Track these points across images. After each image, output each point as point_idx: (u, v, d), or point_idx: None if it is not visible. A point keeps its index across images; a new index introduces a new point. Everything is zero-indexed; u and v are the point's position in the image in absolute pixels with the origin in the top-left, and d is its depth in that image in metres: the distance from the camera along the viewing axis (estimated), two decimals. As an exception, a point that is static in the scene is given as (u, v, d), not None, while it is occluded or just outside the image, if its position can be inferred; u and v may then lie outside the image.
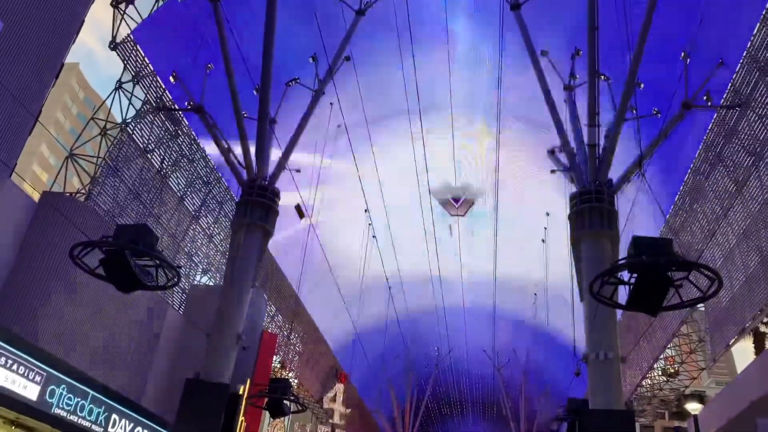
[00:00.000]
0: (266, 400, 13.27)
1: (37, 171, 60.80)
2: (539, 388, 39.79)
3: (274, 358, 25.69)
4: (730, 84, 15.45)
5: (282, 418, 23.12)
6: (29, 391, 10.23)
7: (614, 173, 13.39)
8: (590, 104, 13.23)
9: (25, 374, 10.16)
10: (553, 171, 14.97)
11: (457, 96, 24.28)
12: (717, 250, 19.06)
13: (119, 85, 16.61)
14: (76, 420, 11.42)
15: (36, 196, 14.99)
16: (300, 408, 13.80)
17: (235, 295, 13.03)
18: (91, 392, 11.92)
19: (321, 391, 33.61)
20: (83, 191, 15.86)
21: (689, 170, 19.00)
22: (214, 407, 11.45)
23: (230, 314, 12.78)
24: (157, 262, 8.24)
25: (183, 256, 20.35)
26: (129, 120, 16.68)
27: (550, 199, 26.28)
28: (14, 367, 9.94)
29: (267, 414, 20.42)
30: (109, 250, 7.95)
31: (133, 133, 16.92)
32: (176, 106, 17.46)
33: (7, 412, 10.08)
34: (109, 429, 12.26)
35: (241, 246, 13.39)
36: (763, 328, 31.82)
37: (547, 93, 14.30)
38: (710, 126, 17.05)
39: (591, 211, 12.38)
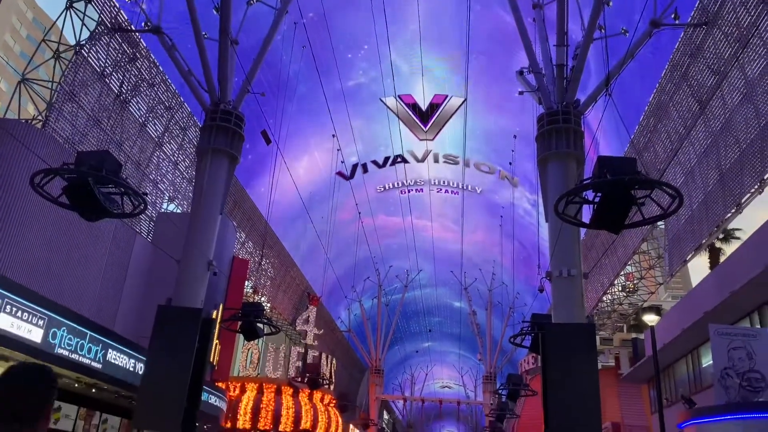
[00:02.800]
0: (239, 323, 13.48)
1: (-11, 98, 58.19)
2: (505, 305, 41.20)
3: (246, 283, 25.95)
4: (698, 2, 15.36)
5: (256, 341, 23.62)
6: (34, 334, 10.95)
7: (582, 96, 13.42)
8: (559, 23, 13.07)
9: (29, 319, 10.83)
10: (521, 92, 14.91)
11: (425, 14, 23.72)
12: (678, 169, 19.52)
13: (70, 5, 15.73)
14: (77, 358, 12.17)
15: (-10, 124, 14.42)
16: (273, 330, 14.07)
17: (203, 222, 12.97)
18: (89, 332, 12.62)
19: (294, 314, 34.29)
20: (40, 118, 15.29)
21: (654, 90, 19.13)
22: (188, 332, 11.57)
23: (199, 241, 12.76)
24: (122, 189, 8.09)
25: (148, 184, 20.03)
26: (83, 42, 15.91)
27: (518, 121, 26.36)
28: (18, 313, 10.56)
29: (241, 338, 20.83)
30: (71, 177, 7.76)
31: (89, 56, 16.19)
32: (132, 27, 16.69)
33: (16, 354, 10.72)
34: (108, 360, 13.14)
35: (207, 172, 13.21)
36: (718, 244, 33.21)
37: (515, 11, 14.05)
38: (677, 45, 17.06)
39: (557, 132, 12.47)
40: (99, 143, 16.87)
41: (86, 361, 12.49)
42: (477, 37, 23.63)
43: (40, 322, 11.12)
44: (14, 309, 10.47)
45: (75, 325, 12.14)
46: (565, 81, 12.98)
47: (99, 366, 12.93)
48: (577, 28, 14.86)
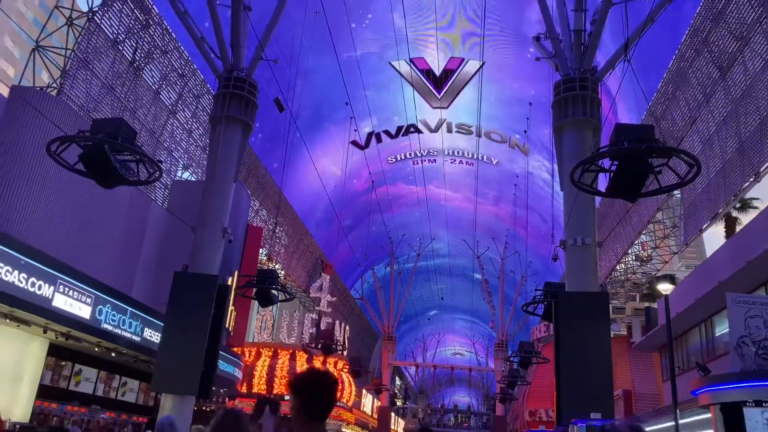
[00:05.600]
0: (254, 290, 13.61)
1: (3, 66, 58.30)
2: (518, 274, 41.24)
3: (261, 250, 26.17)
4: (721, -36, 14.95)
5: (270, 308, 23.89)
6: (83, 311, 12.02)
7: (599, 64, 13.18)
8: (577, -13, 12.78)
9: (79, 298, 11.87)
10: (538, 59, 14.67)
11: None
12: (696, 137, 19.22)
13: (82, -29, 15.63)
14: (120, 333, 13.37)
15: (5, 91, 14.46)
16: (287, 297, 14.21)
17: (218, 189, 13.03)
18: (130, 309, 13.76)
19: (307, 281, 34.58)
20: (54, 85, 15.32)
21: (674, 57, 18.74)
22: (204, 298, 11.74)
23: (214, 208, 12.84)
24: (138, 156, 8.12)
25: (163, 152, 20.10)
26: (96, 9, 15.82)
27: (535, 90, 25.97)
28: (70, 292, 11.57)
29: (255, 304, 21.09)
30: (87, 145, 7.78)
31: (101, 22, 16.11)
32: (144, -7, 16.57)
33: (66, 329, 11.88)
34: (144, 336, 14.25)
35: (221, 140, 13.22)
36: (735, 213, 32.85)
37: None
38: (698, 10, 16.64)
39: (574, 98, 12.30)
40: (113, 111, 16.90)
41: (128, 334, 13.65)
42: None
43: (88, 300, 12.14)
44: (66, 288, 11.41)
45: (118, 302, 13.29)
46: (583, 47, 12.75)
47: (138, 338, 14.03)
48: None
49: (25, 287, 10.24)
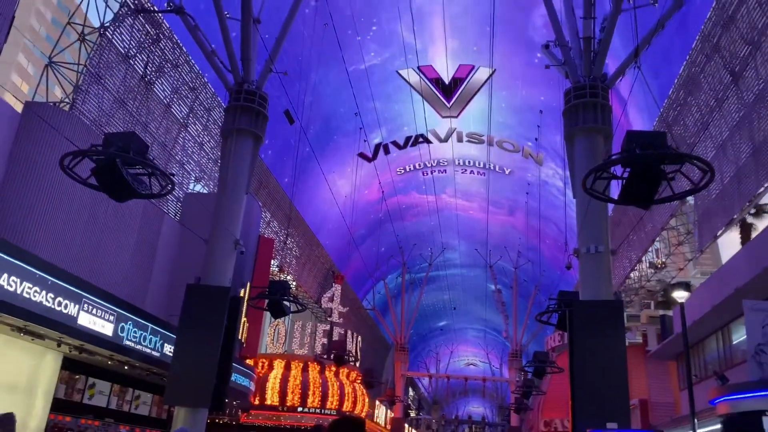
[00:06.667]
0: (266, 301, 13.62)
1: (17, 82, 59.10)
2: (531, 283, 41.01)
3: (272, 262, 26.19)
4: (731, -31, 14.88)
5: (282, 319, 23.89)
6: (106, 329, 12.32)
7: (611, 68, 13.13)
8: (586, -6, 12.76)
9: (103, 316, 12.17)
10: (547, 66, 14.64)
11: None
12: (709, 142, 19.07)
13: (93, -13, 15.80)
14: (141, 349, 13.58)
15: (19, 107, 14.62)
16: (299, 308, 14.20)
17: (229, 202, 13.08)
18: (150, 325, 13.95)
19: (319, 292, 34.56)
20: (67, 101, 15.47)
21: (685, 62, 18.64)
22: (217, 310, 11.77)
23: (226, 220, 12.89)
24: (150, 170, 8.17)
25: (175, 165, 20.22)
26: (107, 24, 16.00)
27: (545, 96, 25.92)
28: (94, 311, 11.89)
29: (267, 315, 21.08)
30: (99, 159, 7.85)
31: (113, 38, 16.29)
32: (155, 8, 16.73)
33: (96, 348, 12.26)
34: (164, 352, 14.38)
35: (232, 152, 13.29)
36: (750, 219, 32.53)
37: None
38: (708, 15, 16.56)
39: (585, 106, 12.25)
40: (125, 125, 17.03)
41: (148, 350, 13.84)
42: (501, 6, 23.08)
43: (111, 318, 12.43)
44: (91, 307, 11.76)
45: (139, 319, 13.50)
46: (592, 54, 12.71)
47: (158, 354, 14.17)
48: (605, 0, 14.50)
49: (52, 306, 10.62)
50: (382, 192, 33.86)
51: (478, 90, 28.01)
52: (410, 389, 60.12)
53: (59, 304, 10.72)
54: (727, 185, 18.50)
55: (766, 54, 15.13)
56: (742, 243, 31.17)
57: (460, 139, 31.61)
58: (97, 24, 16.01)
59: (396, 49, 25.96)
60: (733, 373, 18.75)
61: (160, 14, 16.79)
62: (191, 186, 21.94)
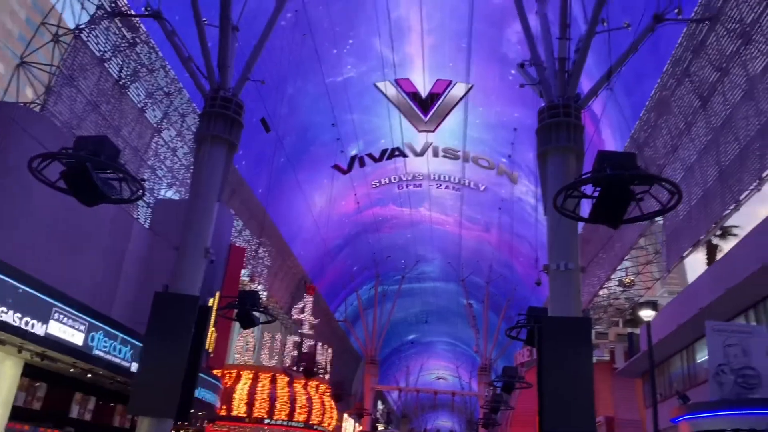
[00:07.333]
0: (236, 311, 13.47)
1: (-13, 81, 57.89)
2: (503, 298, 41.27)
3: (243, 271, 25.96)
4: (701, -4, 15.31)
5: (252, 329, 23.64)
6: (76, 338, 12.20)
7: (585, 88, 13.36)
8: (561, 16, 12.99)
9: (74, 325, 12.08)
10: (522, 85, 14.83)
11: (428, 4, 23.54)
12: (678, 164, 19.49)
13: (70, -12, 15.62)
14: (111, 359, 13.48)
15: (-13, 107, 14.31)
16: (269, 319, 14.07)
17: (201, 209, 12.94)
18: (120, 335, 13.84)
19: (290, 303, 34.31)
20: (38, 101, 15.21)
21: (656, 85, 19.07)
22: (185, 319, 11.57)
23: (197, 228, 12.74)
24: (120, 175, 8.06)
25: (146, 170, 19.98)
26: (82, 26, 15.80)
27: (519, 113, 26.23)
28: (65, 320, 11.78)
29: (237, 326, 20.84)
30: (69, 162, 7.72)
31: (88, 40, 16.09)
32: (132, 12, 16.58)
33: (66, 357, 12.09)
34: (133, 363, 14.17)
35: (206, 159, 13.16)
36: (716, 241, 33.23)
37: (519, 4, 13.96)
38: (679, 41, 16.99)
39: (558, 125, 12.42)
40: (97, 128, 16.80)
41: (118, 360, 13.72)
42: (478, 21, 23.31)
43: (82, 327, 12.32)
44: (62, 316, 11.65)
45: (109, 329, 13.39)
46: (567, 74, 12.92)
47: (128, 365, 14.00)
48: (580, 22, 14.79)
49: (21, 316, 10.52)
50: (358, 204, 33.85)
51: (455, 105, 28.23)
52: (379, 402, 59.84)
53: (28, 312, 10.65)
54: (695, 207, 18.91)
55: (734, 81, 15.57)
56: (708, 264, 31.82)
57: (436, 154, 31.80)
58: (72, 25, 15.81)
59: (374, 62, 26.06)
60: (695, 392, 19.07)
61: (137, 18, 16.64)
62: (162, 192, 21.69)
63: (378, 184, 34.17)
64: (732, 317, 18.48)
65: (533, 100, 14.75)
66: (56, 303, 11.49)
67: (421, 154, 31.81)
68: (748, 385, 13.38)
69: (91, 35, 16.10)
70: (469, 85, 26.89)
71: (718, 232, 30.57)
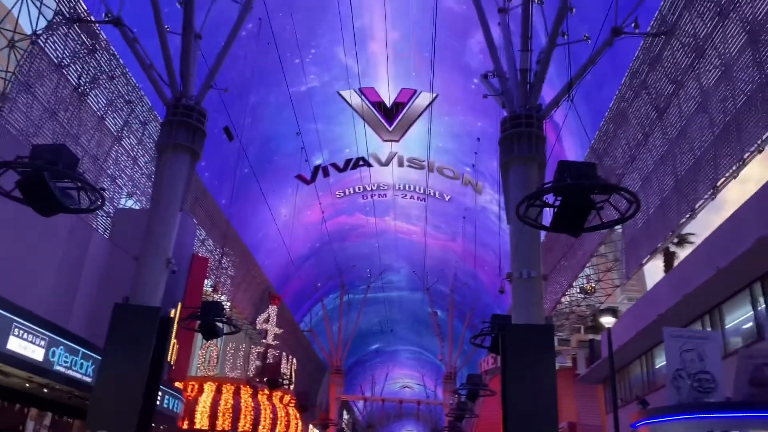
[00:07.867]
0: (198, 322, 13.27)
1: (-62, 86, 55.98)
2: (467, 306, 41.54)
3: (206, 281, 25.57)
4: (657, 11, 15.75)
5: (215, 340, 23.27)
6: (36, 354, 12.04)
7: (545, 98, 13.62)
8: (523, 28, 13.25)
9: (33, 341, 11.94)
10: (485, 96, 15.05)
11: (391, 13, 23.68)
12: (636, 174, 19.97)
13: (26, -7, 15.23)
14: (72, 374, 13.28)
15: (-61, 113, 13.87)
16: (233, 329, 13.90)
17: (162, 218, 12.74)
18: (81, 349, 13.65)
19: (254, 313, 33.91)
20: (-8, 108, 14.77)
21: (615, 97, 19.54)
22: (145, 331, 11.39)
23: (158, 238, 12.54)
24: (79, 184, 7.90)
25: (106, 179, 19.56)
26: (40, 32, 15.43)
27: (482, 122, 26.53)
28: (24, 335, 11.64)
29: (199, 337, 20.50)
30: (25, 171, 7.53)
31: (45, 46, 15.71)
32: (92, 18, 16.27)
33: (21, 372, 11.91)
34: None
35: (167, 168, 12.98)
36: (673, 248, 34.09)
37: (481, 15, 14.19)
38: (636, 53, 17.46)
39: (520, 136, 12.63)
40: (55, 136, 16.39)
41: (79, 375, 13.50)
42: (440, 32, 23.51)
43: (42, 342, 12.16)
44: (21, 331, 11.53)
45: (70, 344, 13.21)
46: (528, 85, 13.16)
47: (89, 379, 13.72)
48: (541, 34, 15.08)
49: None
50: (323, 213, 33.71)
51: (420, 115, 28.39)
52: (345, 412, 59.48)
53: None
54: (652, 216, 19.40)
55: (689, 93, 16.05)
56: (666, 271, 32.61)
57: (401, 164, 31.91)
58: (29, 31, 15.42)
59: (338, 71, 26.07)
60: (655, 396, 19.48)
61: (97, 24, 16.34)
62: (123, 201, 21.26)
63: (342, 195, 34.10)
64: (688, 323, 18.97)
65: (496, 110, 14.98)
66: (16, 318, 11.34)
67: (386, 164, 31.88)
68: (704, 389, 13.73)
69: (48, 41, 15.73)
70: (434, 95, 27.07)
71: (675, 240, 31.36)
